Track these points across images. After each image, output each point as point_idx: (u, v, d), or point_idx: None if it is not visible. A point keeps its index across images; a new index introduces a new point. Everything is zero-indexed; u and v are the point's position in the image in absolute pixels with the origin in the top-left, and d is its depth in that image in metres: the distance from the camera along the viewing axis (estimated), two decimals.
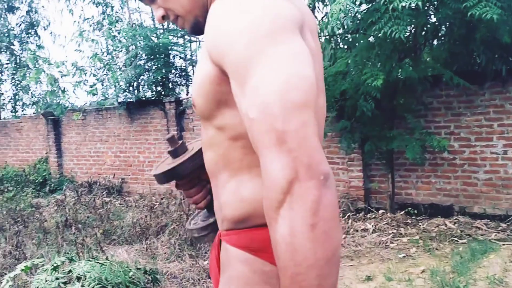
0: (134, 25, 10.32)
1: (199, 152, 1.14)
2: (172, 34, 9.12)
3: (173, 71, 9.22)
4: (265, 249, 0.87)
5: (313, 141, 0.71)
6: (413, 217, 5.72)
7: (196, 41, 9.56)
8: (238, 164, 0.95)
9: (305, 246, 0.68)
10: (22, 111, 14.46)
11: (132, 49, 8.90)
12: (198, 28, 1.05)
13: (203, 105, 0.96)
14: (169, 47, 8.81)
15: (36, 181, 9.33)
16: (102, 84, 9.69)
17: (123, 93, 8.71)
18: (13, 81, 14.41)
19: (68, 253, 4.18)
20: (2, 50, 14.17)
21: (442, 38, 5.95)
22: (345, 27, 5.27)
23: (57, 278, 3.25)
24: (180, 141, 1.24)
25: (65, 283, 3.35)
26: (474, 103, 5.56)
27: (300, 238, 0.68)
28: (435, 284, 3.66)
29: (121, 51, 9.68)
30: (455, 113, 5.68)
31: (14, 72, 13.90)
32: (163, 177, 1.19)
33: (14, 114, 14.28)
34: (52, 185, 9.24)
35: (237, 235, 0.97)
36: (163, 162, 1.28)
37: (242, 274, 0.95)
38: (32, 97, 14.48)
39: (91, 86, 9.44)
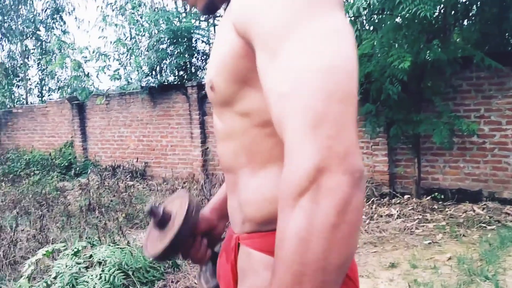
0: (156, 9, 10.27)
1: (189, 210, 1.00)
2: (194, 18, 9.03)
3: (195, 55, 9.16)
4: None
5: (352, 132, 0.61)
6: (440, 202, 5.57)
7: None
8: (266, 155, 0.84)
9: (320, 246, 0.59)
10: (49, 96, 14.70)
11: (155, 33, 8.87)
12: (212, 7, 0.93)
13: (224, 86, 0.83)
14: (192, 31, 8.74)
15: (62, 165, 9.48)
16: (125, 69, 9.72)
17: (145, 77, 8.71)
18: (39, 66, 14.62)
19: (89, 237, 4.21)
20: (28, 36, 14.35)
21: (473, 18, 5.74)
22: (371, 6, 5.10)
23: (77, 263, 3.26)
24: (161, 208, 1.06)
25: (86, 267, 3.36)
26: (506, 85, 5.33)
27: (317, 236, 0.59)
28: (462, 273, 3.55)
29: (143, 35, 9.66)
30: (486, 96, 5.47)
31: (40, 57, 14.09)
32: (165, 254, 1.02)
33: (40, 99, 14.51)
34: (77, 168, 9.36)
35: (262, 238, 0.85)
36: (149, 238, 1.10)
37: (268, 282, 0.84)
38: (58, 82, 14.69)
39: (114, 71, 9.47)
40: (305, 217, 0.59)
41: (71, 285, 3.16)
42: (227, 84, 0.83)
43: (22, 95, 14.62)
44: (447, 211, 5.28)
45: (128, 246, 3.73)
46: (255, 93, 0.80)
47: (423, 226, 4.83)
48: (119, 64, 9.70)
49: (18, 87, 14.70)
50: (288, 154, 0.62)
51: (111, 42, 9.77)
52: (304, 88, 0.61)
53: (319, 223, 0.59)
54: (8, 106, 12.61)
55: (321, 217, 0.59)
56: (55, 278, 3.24)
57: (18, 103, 13.88)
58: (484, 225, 4.73)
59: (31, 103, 13.62)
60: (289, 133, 0.62)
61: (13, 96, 14.24)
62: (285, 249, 0.62)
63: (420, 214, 5.15)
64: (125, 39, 10.17)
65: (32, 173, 8.77)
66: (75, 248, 3.46)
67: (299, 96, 0.62)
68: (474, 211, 5.16)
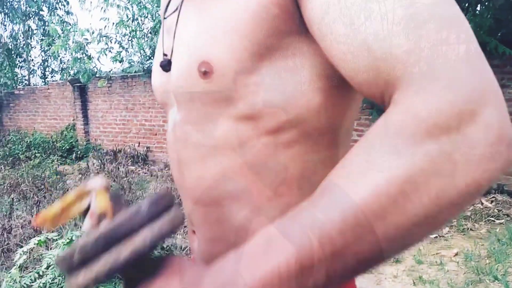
0: None
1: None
2: None
3: None
4: None
5: None
6: None
7: None
8: (278, 175, 0.60)
9: (426, 208, 0.39)
10: (52, 77, 14.56)
11: (158, 15, 8.66)
12: None
13: (236, 65, 0.57)
14: None
15: (63, 148, 9.36)
16: (127, 51, 9.54)
17: (147, 60, 8.54)
18: (42, 47, 14.46)
19: None
20: (31, 16, 14.16)
21: (486, 3, 5.51)
22: None
23: None
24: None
25: None
26: None
27: (430, 198, 0.39)
28: (469, 270, 3.41)
29: (146, 17, 9.45)
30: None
31: (43, 38, 13.93)
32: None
33: (43, 80, 14.37)
34: (79, 152, 9.25)
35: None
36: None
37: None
38: (61, 63, 14.54)
39: (116, 53, 9.30)
40: (434, 166, 0.39)
41: (63, 276, 3.06)
42: (241, 61, 0.57)
43: (24, 76, 14.49)
44: None
45: None
46: (274, 78, 0.57)
47: None
48: (120, 46, 9.52)
49: (20, 68, 14.56)
50: (431, 79, 0.42)
51: (113, 24, 9.54)
52: (450, 19, 0.44)
53: (448, 186, 0.39)
54: (11, 87, 12.47)
55: (458, 180, 0.39)
56: (47, 268, 3.14)
57: (20, 84, 13.75)
58: (492, 218, 4.59)
59: (33, 84, 13.48)
60: (437, 60, 0.42)
61: (15, 78, 14.10)
62: (376, 181, 0.41)
63: None
64: (127, 21, 9.97)
65: (33, 156, 8.67)
66: (68, 238, 3.35)
67: (444, 26, 0.44)
68: (482, 204, 5.01)
